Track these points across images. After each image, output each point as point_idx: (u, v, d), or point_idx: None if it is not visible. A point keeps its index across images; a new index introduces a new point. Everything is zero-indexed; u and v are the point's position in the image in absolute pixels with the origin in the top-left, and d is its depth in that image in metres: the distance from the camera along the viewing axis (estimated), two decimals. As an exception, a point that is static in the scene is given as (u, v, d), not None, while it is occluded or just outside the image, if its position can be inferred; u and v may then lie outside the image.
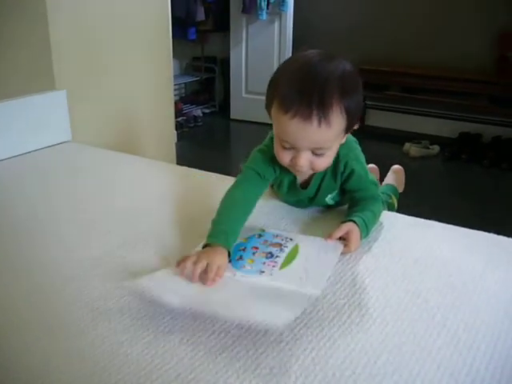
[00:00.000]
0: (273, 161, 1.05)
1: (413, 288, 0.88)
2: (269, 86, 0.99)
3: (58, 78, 1.62)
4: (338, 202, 1.16)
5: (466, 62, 4.25)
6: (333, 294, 0.85)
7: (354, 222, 1.01)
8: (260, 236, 1.02)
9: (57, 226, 1.11)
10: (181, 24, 4.37)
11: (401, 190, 1.66)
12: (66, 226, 1.12)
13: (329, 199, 1.14)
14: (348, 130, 0.99)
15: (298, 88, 0.91)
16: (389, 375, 0.68)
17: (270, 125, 1.00)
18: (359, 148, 1.12)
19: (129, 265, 0.94)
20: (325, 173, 1.08)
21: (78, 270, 0.93)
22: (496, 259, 0.97)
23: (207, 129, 5.11)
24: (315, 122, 0.91)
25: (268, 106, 0.98)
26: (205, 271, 0.85)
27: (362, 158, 1.11)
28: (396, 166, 1.76)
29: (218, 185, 1.17)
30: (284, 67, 0.99)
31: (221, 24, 4.89)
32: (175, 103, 4.83)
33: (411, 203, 2.92)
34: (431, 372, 0.68)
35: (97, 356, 0.71)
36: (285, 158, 0.99)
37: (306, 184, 1.12)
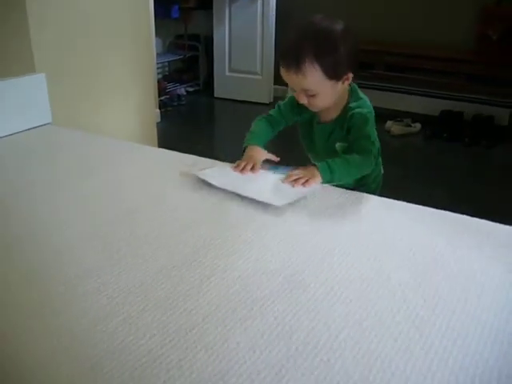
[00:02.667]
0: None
1: (377, 266, 0.92)
2: None
3: (38, 62, 1.63)
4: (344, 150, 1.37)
5: (449, 41, 4.28)
6: (301, 273, 0.89)
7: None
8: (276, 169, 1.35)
9: (36, 207, 1.14)
10: (163, 2, 4.35)
11: None
12: (45, 206, 1.15)
13: (338, 145, 1.39)
14: (335, 78, 1.27)
15: (286, 46, 1.28)
16: (348, 349, 0.72)
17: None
18: (372, 113, 1.35)
19: (108, 244, 0.98)
20: (336, 124, 1.38)
21: (56, 251, 0.96)
22: (458, 238, 1.02)
23: (191, 107, 5.12)
24: (293, 72, 1.24)
25: None
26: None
27: (371, 115, 1.33)
28: None
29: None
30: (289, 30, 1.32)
31: (203, 2, 4.87)
32: (159, 82, 4.85)
33: (391, 181, 2.97)
34: (388, 345, 0.73)
35: (74, 332, 0.75)
36: (295, 96, 1.32)
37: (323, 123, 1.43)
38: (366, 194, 1.22)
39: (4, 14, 1.53)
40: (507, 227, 1.05)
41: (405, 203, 1.16)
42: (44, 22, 1.64)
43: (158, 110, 4.52)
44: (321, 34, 1.24)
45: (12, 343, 0.74)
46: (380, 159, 1.48)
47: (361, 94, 1.39)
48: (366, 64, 4.44)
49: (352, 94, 1.38)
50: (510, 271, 0.92)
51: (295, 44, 1.23)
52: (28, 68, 1.62)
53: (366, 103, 1.37)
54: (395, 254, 0.97)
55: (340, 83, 1.30)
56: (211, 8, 4.92)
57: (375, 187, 1.50)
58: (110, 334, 0.75)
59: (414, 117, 4.38)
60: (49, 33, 1.67)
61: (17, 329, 0.77)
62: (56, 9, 1.69)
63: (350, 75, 1.31)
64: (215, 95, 5.25)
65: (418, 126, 4.25)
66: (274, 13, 4.75)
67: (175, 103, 5.00)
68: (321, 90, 1.27)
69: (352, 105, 1.35)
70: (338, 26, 1.26)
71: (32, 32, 1.60)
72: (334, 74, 1.26)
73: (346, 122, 1.34)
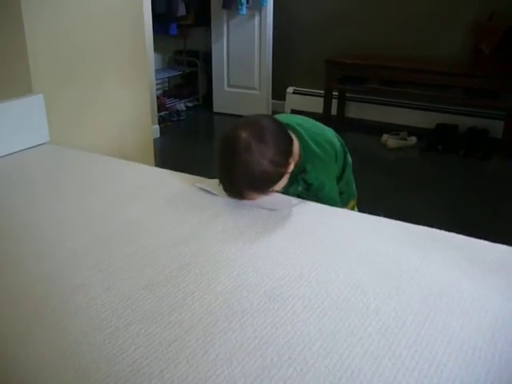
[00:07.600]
0: None
1: (354, 280, 0.97)
2: None
3: (35, 83, 1.69)
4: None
5: (443, 55, 4.34)
6: (280, 287, 0.94)
7: None
8: None
9: (34, 225, 1.19)
10: (162, 20, 4.43)
11: None
12: (42, 224, 1.19)
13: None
14: (278, 180, 1.25)
15: (222, 180, 1.25)
16: (321, 359, 0.77)
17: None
18: (329, 152, 1.43)
19: (98, 261, 1.02)
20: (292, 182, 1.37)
21: (54, 266, 1.01)
22: (433, 252, 1.06)
23: (190, 122, 5.18)
24: (239, 199, 1.26)
25: None
26: None
27: (326, 159, 1.40)
28: None
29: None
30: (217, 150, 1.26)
31: (202, 19, 4.95)
32: (158, 97, 4.91)
33: (387, 193, 3.02)
34: (358, 356, 0.78)
35: (64, 344, 0.80)
36: None
37: None
38: (344, 210, 1.27)
39: (2, 37, 1.59)
40: (480, 241, 1.10)
41: (382, 218, 1.21)
42: (42, 43, 1.70)
43: (157, 126, 4.57)
44: (248, 170, 1.19)
45: (9, 352, 0.79)
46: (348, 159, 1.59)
47: (312, 144, 1.38)
48: (361, 78, 4.51)
49: (304, 150, 1.36)
50: (480, 285, 0.96)
51: (230, 182, 1.24)
52: (25, 89, 1.68)
53: (320, 147, 1.40)
54: (371, 268, 1.01)
55: (288, 168, 1.26)
56: (209, 25, 5.00)
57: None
58: (98, 346, 0.80)
59: (410, 130, 4.43)
60: (46, 55, 1.73)
61: (15, 338, 0.81)
62: (53, 29, 1.75)
63: (291, 161, 1.27)
64: (214, 110, 5.31)
65: (413, 139, 4.30)
66: (272, 29, 4.82)
67: (175, 118, 5.06)
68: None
69: (303, 162, 1.36)
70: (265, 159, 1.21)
71: (30, 54, 1.66)
72: (272, 183, 1.24)
73: (300, 178, 1.39)
